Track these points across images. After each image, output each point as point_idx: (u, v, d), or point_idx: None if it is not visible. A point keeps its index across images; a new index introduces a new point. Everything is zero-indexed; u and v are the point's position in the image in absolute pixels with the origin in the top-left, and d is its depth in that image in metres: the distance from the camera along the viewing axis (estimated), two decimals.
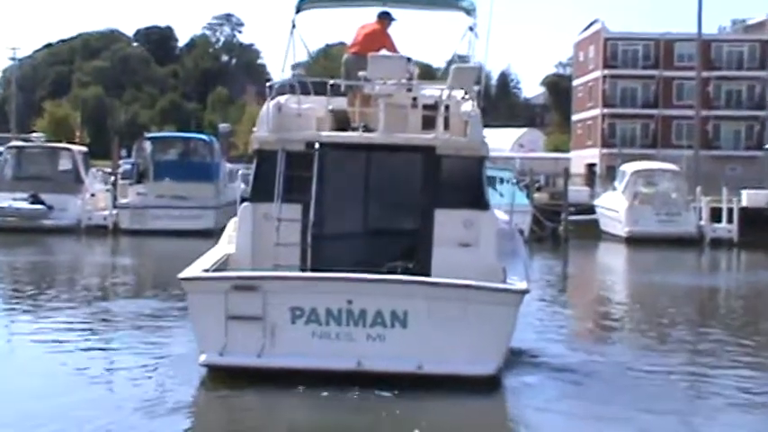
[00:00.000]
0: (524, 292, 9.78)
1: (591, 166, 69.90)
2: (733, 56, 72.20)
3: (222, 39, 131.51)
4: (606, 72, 73.11)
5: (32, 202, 32.23)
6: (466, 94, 11.32)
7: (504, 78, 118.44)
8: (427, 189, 11.01)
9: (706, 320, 16.15)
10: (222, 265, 10.69)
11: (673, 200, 34.76)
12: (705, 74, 59.49)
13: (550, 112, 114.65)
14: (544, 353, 11.76)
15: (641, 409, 9.25)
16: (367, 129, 11.24)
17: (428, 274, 10.34)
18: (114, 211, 32.88)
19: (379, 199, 11.06)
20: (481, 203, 11.02)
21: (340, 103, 11.67)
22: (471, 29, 11.80)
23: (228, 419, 8.87)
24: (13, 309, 15.54)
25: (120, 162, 40.44)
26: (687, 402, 9.95)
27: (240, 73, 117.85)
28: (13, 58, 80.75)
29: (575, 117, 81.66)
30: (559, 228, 34.98)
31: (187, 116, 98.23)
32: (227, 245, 11.44)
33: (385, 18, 12.06)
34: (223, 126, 53.13)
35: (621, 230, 33.84)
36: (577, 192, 40.65)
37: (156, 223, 31.57)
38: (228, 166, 38.06)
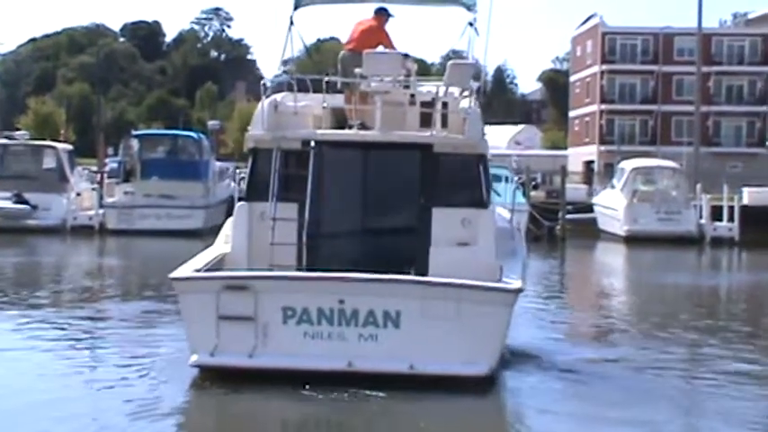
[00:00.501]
0: (518, 291, 9.70)
1: (589, 164, 69.63)
2: (734, 50, 72.01)
3: (211, 34, 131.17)
4: (604, 67, 72.84)
5: (16, 202, 31.83)
6: (463, 90, 11.28)
7: (500, 74, 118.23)
8: (425, 187, 11.00)
9: (706, 321, 15.98)
10: (217, 264, 10.68)
11: (673, 198, 34.46)
12: (705, 69, 59.18)
13: (547, 108, 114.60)
14: (541, 353, 11.68)
15: (639, 409, 9.25)
16: (364, 126, 11.19)
17: (426, 274, 10.28)
18: (100, 211, 32.54)
19: (376, 197, 11.06)
20: (480, 202, 10.98)
21: (338, 100, 11.59)
22: (471, 24, 11.72)
23: (219, 421, 8.91)
24: None
25: (107, 160, 40.15)
26: (687, 402, 9.97)
27: (229, 69, 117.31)
28: None
29: (572, 113, 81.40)
30: (557, 227, 34.55)
31: (175, 113, 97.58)
32: (223, 244, 11.39)
33: (382, 14, 11.98)
34: (212, 123, 52.53)
35: (620, 229, 33.46)
36: (575, 190, 40.38)
37: (144, 223, 31.31)
38: (218, 164, 37.69)
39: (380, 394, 9.14)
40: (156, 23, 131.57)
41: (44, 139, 42.79)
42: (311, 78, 11.44)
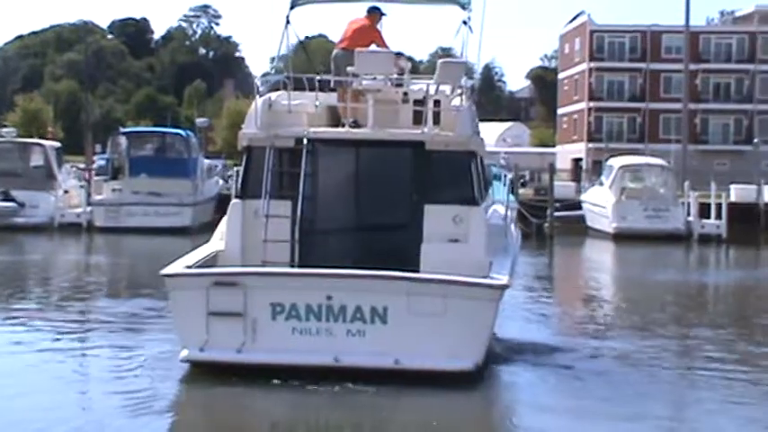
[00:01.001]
0: (503, 287, 9.76)
1: (577, 161, 69.74)
2: (721, 48, 72.13)
3: (199, 31, 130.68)
4: (592, 65, 72.88)
5: (3, 199, 31.69)
6: (454, 88, 11.27)
7: (489, 72, 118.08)
8: (417, 184, 11.09)
9: (696, 317, 16.06)
10: (211, 261, 10.76)
11: (661, 195, 34.56)
12: (693, 66, 59.31)
13: (536, 105, 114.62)
14: (530, 348, 11.73)
15: (631, 404, 9.29)
16: (357, 124, 11.28)
17: (417, 270, 10.33)
18: (88, 209, 32.47)
19: (368, 195, 11.16)
20: (471, 199, 11.02)
21: (333, 99, 11.69)
22: (465, 23, 11.71)
23: (209, 415, 8.97)
24: None
25: (95, 158, 40.07)
26: (678, 396, 10.04)
27: (218, 66, 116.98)
28: None
29: (560, 111, 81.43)
30: (545, 224, 34.53)
31: (163, 110, 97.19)
32: (218, 241, 11.43)
33: (375, 13, 12.07)
34: (200, 120, 52.34)
35: (608, 226, 33.53)
36: (563, 187, 40.40)
37: (132, 221, 31.25)
38: (206, 161, 37.57)
39: (370, 389, 9.18)
40: (145, 21, 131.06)
41: (32, 137, 42.64)
42: (300, 77, 11.52)
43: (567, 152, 74.40)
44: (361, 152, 11.16)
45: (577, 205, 36.92)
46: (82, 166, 40.22)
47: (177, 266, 10.20)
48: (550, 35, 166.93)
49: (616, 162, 36.08)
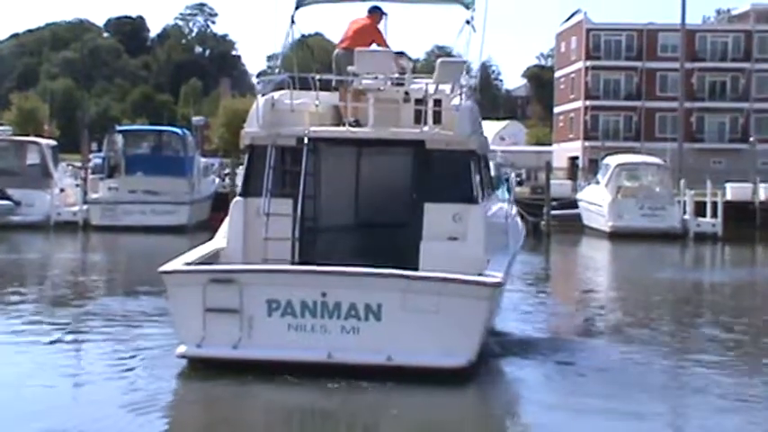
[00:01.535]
0: (497, 285, 9.84)
1: (573, 160, 69.77)
2: (717, 47, 72.24)
3: (195, 29, 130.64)
4: (589, 63, 72.95)
5: None
6: (454, 87, 11.37)
7: (485, 70, 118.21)
8: (417, 183, 11.20)
9: (693, 314, 16.09)
10: (212, 259, 10.88)
11: (657, 194, 34.57)
12: (689, 65, 59.41)
13: (532, 104, 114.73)
14: (527, 346, 11.74)
15: (628, 400, 9.33)
16: (358, 124, 11.38)
17: (416, 268, 10.42)
18: (84, 207, 32.39)
19: (369, 193, 11.28)
20: (470, 197, 11.10)
21: (336, 98, 11.74)
22: (468, 22, 11.79)
23: (205, 411, 9.04)
24: None
25: (91, 156, 39.97)
26: (675, 392, 10.05)
27: (214, 65, 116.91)
28: None
29: (557, 109, 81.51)
30: (541, 222, 34.54)
31: (159, 109, 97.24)
32: (221, 239, 11.54)
33: (376, 13, 12.13)
34: (197, 119, 52.25)
35: (605, 225, 33.54)
36: (560, 185, 40.33)
37: (128, 219, 31.19)
38: (202, 160, 37.52)
39: (365, 384, 9.26)
40: (141, 19, 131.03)
41: (28, 135, 42.58)
42: (305, 76, 11.56)
43: (564, 150, 74.46)
44: (361, 151, 11.30)
45: (574, 204, 36.90)
46: (78, 164, 40.12)
47: (176, 263, 10.31)
48: (547, 34, 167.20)
49: (612, 160, 36.09)
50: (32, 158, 33.90)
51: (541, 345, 11.97)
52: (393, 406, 8.91)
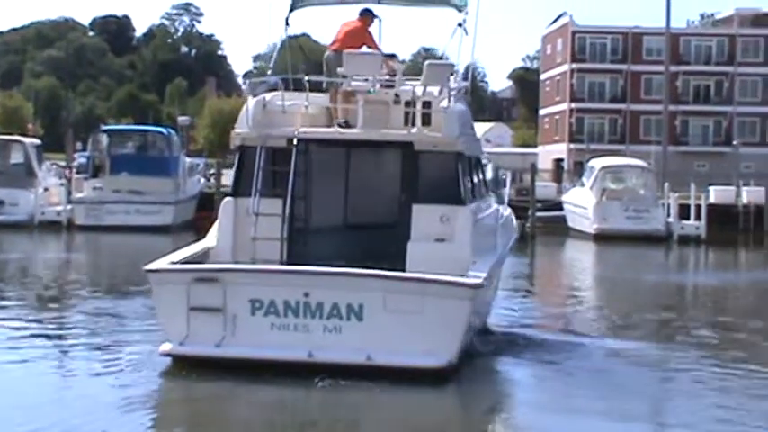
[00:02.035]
0: (477, 286, 9.83)
1: (558, 162, 69.89)
2: (701, 50, 72.57)
3: (181, 29, 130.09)
4: (574, 66, 73.10)
5: None
6: (442, 89, 11.41)
7: (471, 72, 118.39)
8: (405, 184, 11.28)
9: (676, 317, 16.15)
10: (200, 258, 10.95)
11: (641, 196, 34.71)
12: (673, 68, 59.69)
13: (517, 106, 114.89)
14: (513, 346, 11.81)
15: (618, 401, 9.36)
16: (348, 125, 11.47)
17: (404, 269, 10.49)
18: (69, 207, 32.34)
19: (358, 194, 11.36)
20: (457, 199, 11.15)
21: (326, 100, 11.87)
22: (461, 25, 11.90)
23: (189, 409, 9.09)
24: None
25: (75, 155, 39.86)
26: (662, 392, 10.15)
27: (200, 64, 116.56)
28: None
29: (542, 112, 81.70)
30: (526, 224, 34.56)
31: (145, 108, 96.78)
32: (211, 238, 11.59)
33: (367, 15, 12.19)
34: (182, 119, 52.07)
35: (589, 227, 33.67)
36: (545, 188, 40.53)
37: (113, 219, 31.12)
38: (188, 160, 37.42)
39: (346, 383, 9.30)
40: (126, 18, 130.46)
41: (11, 134, 42.34)
42: (298, 78, 11.63)
43: (549, 153, 74.62)
44: (350, 152, 11.36)
45: (559, 206, 37.05)
46: (62, 163, 39.98)
47: (162, 262, 10.37)
48: (532, 36, 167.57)
49: (597, 163, 36.22)
50: (16, 157, 33.83)
51: (528, 345, 12.01)
52: (375, 405, 8.95)
